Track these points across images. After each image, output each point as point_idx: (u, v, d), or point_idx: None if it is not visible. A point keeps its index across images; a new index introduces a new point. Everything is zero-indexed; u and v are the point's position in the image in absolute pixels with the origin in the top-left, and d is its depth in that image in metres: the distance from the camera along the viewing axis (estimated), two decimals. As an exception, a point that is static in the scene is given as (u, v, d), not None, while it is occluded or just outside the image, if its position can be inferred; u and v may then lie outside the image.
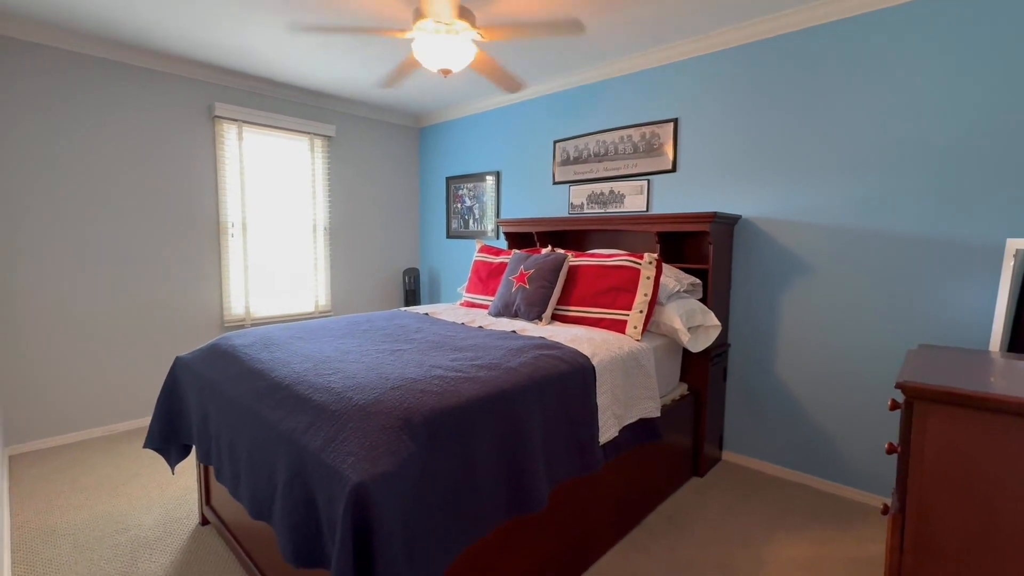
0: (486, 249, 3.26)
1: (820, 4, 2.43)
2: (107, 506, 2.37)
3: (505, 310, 2.68)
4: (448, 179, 4.62)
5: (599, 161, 3.44)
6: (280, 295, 4.03)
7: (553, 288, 2.58)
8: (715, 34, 2.78)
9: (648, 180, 3.21)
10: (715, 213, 2.55)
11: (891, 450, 1.29)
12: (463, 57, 2.35)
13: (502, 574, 1.62)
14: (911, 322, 2.32)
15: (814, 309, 2.61)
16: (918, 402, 1.19)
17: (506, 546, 1.63)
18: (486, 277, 3.12)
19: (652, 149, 3.17)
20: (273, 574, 1.71)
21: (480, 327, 2.44)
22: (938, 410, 1.16)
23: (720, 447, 2.97)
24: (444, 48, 2.29)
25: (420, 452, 1.28)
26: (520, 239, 3.71)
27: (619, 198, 3.36)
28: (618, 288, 2.42)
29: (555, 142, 3.70)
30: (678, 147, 3.06)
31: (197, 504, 2.38)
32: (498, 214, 4.21)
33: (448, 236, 4.69)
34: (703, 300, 2.73)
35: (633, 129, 3.24)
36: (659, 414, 2.25)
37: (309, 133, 4.06)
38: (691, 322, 2.44)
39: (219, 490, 2.07)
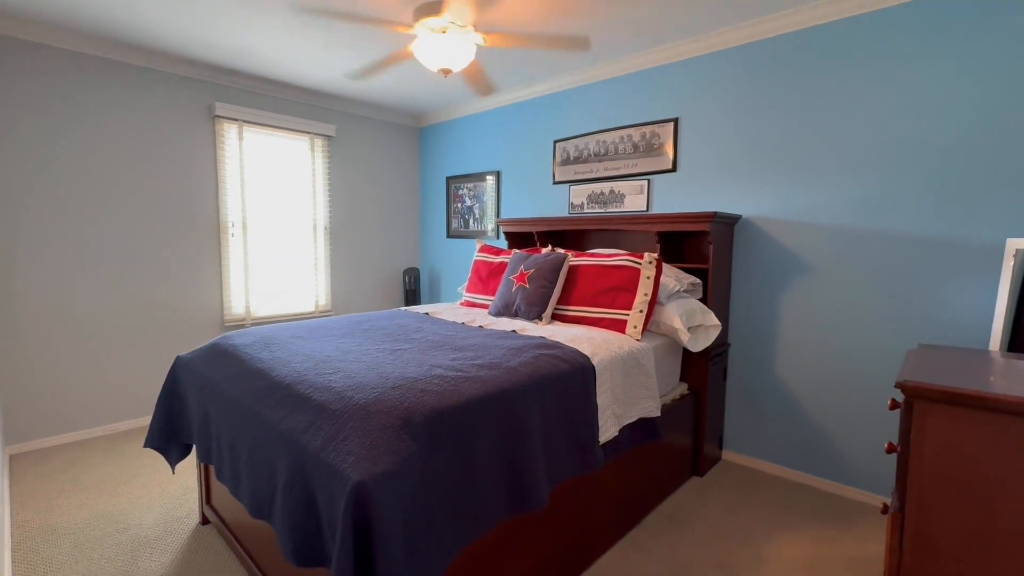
0: (486, 249, 3.27)
1: (820, 4, 2.43)
2: (108, 505, 2.38)
3: (505, 310, 2.68)
4: (448, 179, 4.62)
5: (599, 161, 3.44)
6: (280, 295, 4.03)
7: (553, 288, 2.58)
8: (715, 34, 2.79)
9: (648, 180, 3.21)
10: (715, 213, 2.56)
11: (891, 449, 1.29)
12: (464, 57, 2.35)
13: (502, 573, 1.62)
14: (911, 322, 2.32)
15: (814, 309, 2.61)
16: (918, 401, 1.19)
17: (506, 545, 1.63)
18: (486, 277, 3.12)
19: (652, 149, 3.17)
20: (273, 573, 1.71)
21: (480, 327, 2.44)
22: (938, 409, 1.16)
23: (720, 446, 2.98)
24: (445, 48, 2.29)
25: (420, 451, 1.29)
26: (520, 239, 3.71)
27: (619, 198, 3.36)
28: (618, 288, 2.43)
29: (555, 142, 3.70)
30: (678, 147, 3.06)
31: (197, 503, 2.38)
32: (498, 214, 4.21)
33: (448, 236, 4.69)
34: (703, 300, 2.73)
35: (633, 129, 3.24)
36: (659, 413, 2.25)
37: (309, 133, 4.06)
38: (691, 322, 2.44)
39: (219, 489, 2.08)
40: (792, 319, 2.68)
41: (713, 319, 2.52)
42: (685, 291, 2.65)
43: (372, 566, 1.12)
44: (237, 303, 3.78)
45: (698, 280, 2.72)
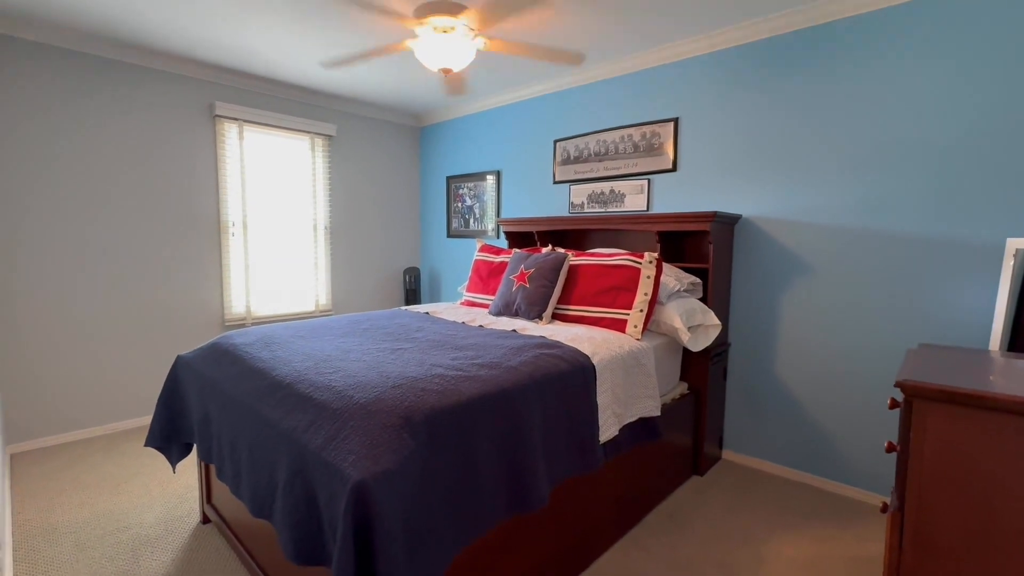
0: (486, 248, 3.27)
1: (820, 4, 2.43)
2: (108, 504, 2.38)
3: (505, 309, 2.69)
4: (449, 178, 4.63)
5: (599, 160, 3.44)
6: (281, 294, 4.04)
7: (553, 287, 2.59)
8: (715, 34, 2.79)
9: (648, 179, 3.22)
10: (715, 213, 2.56)
11: (890, 449, 1.29)
12: (464, 58, 2.35)
13: (503, 572, 1.63)
14: (911, 322, 2.33)
15: (814, 308, 2.61)
16: (917, 401, 1.19)
17: (507, 544, 1.63)
18: (486, 276, 3.12)
19: (652, 148, 3.17)
20: (274, 572, 1.71)
21: (480, 326, 2.44)
22: (937, 409, 1.17)
23: (720, 446, 2.98)
24: (446, 48, 2.29)
25: (421, 450, 1.29)
26: (520, 238, 3.71)
27: (619, 197, 3.37)
28: (618, 287, 2.43)
29: (555, 141, 3.70)
30: (678, 146, 3.06)
31: (198, 502, 2.38)
32: (499, 213, 4.21)
33: (448, 235, 4.69)
34: (703, 299, 2.73)
35: (633, 128, 3.25)
36: (659, 413, 2.25)
37: (310, 132, 4.06)
38: (691, 321, 2.44)
39: (220, 488, 2.08)
40: (792, 319, 2.69)
41: (713, 319, 2.52)
42: (685, 291, 2.65)
43: (373, 565, 1.12)
44: (238, 302, 3.78)
45: (698, 280, 2.72)
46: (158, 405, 2.14)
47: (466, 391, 1.50)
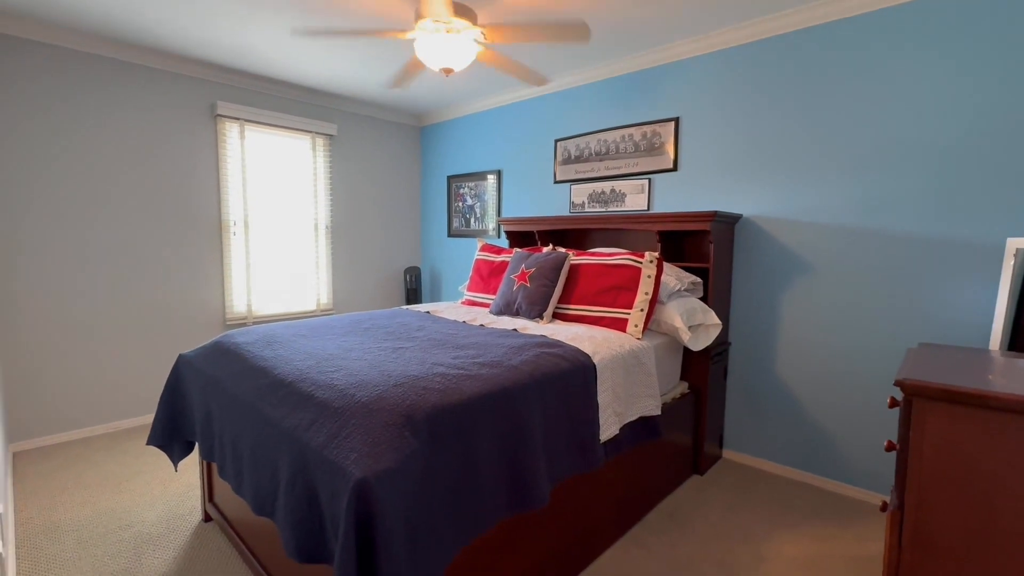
0: (487, 248, 3.27)
1: (820, 4, 2.43)
2: (110, 502, 2.39)
3: (506, 308, 2.69)
4: (449, 178, 4.63)
5: (600, 160, 3.45)
6: (282, 293, 4.04)
7: (554, 287, 2.59)
8: (715, 34, 2.79)
9: (649, 179, 3.22)
10: (716, 212, 2.56)
11: (890, 448, 1.29)
12: (465, 56, 2.35)
13: (504, 570, 1.63)
14: (911, 321, 2.33)
15: (814, 308, 2.61)
16: (917, 400, 1.19)
17: (507, 543, 1.64)
18: (487, 276, 3.13)
19: (653, 148, 3.17)
20: (276, 570, 1.72)
21: (481, 325, 2.45)
22: (937, 408, 1.17)
23: (720, 445, 2.98)
24: (445, 47, 2.29)
25: (422, 449, 1.29)
26: (521, 238, 3.72)
27: (620, 197, 3.37)
28: (619, 287, 2.43)
29: (556, 141, 3.70)
30: (679, 146, 3.07)
31: (200, 501, 2.39)
32: (499, 213, 4.22)
33: (449, 235, 4.70)
34: (704, 299, 2.73)
35: (634, 128, 3.25)
36: (660, 412, 2.26)
37: (311, 132, 4.07)
38: (692, 321, 2.44)
39: (222, 487, 2.09)
40: (792, 318, 2.69)
41: (714, 318, 2.53)
42: (686, 290, 2.66)
43: (374, 562, 1.12)
44: (239, 302, 3.79)
45: (699, 279, 2.72)
46: (160, 404, 2.14)
47: (467, 390, 1.51)
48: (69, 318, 3.10)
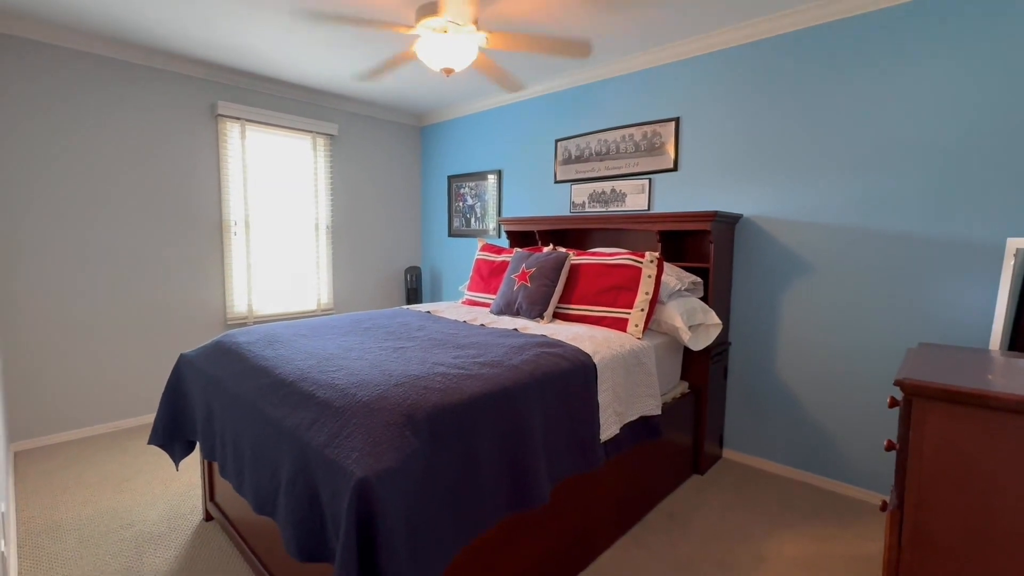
0: (488, 248, 3.28)
1: (820, 4, 2.44)
2: (112, 502, 2.39)
3: (507, 308, 2.70)
4: (450, 177, 4.63)
5: (601, 160, 3.45)
6: (282, 293, 4.05)
7: (555, 286, 2.59)
8: (716, 34, 2.79)
9: (649, 179, 3.22)
10: (716, 212, 2.56)
11: (890, 447, 1.30)
12: (466, 57, 2.36)
13: (504, 570, 1.64)
14: (911, 321, 2.33)
15: (815, 308, 2.61)
16: (917, 399, 1.20)
17: (508, 542, 1.64)
18: (488, 275, 3.13)
19: (654, 148, 3.18)
20: (276, 569, 1.73)
21: (482, 325, 2.45)
22: (937, 407, 1.17)
23: (720, 445, 2.99)
24: (448, 48, 2.30)
25: (423, 448, 1.30)
26: (522, 238, 3.72)
27: (620, 197, 3.37)
28: (619, 287, 2.43)
29: (557, 141, 3.71)
30: (679, 146, 3.07)
31: (201, 500, 2.40)
32: (500, 213, 4.22)
33: (450, 235, 4.70)
34: (704, 299, 2.74)
35: (635, 128, 3.25)
36: (660, 412, 2.26)
37: (312, 132, 4.07)
38: (692, 320, 2.45)
39: (223, 486, 2.09)
40: (793, 318, 2.69)
41: (714, 318, 2.53)
42: (686, 290, 2.66)
43: (375, 561, 1.13)
44: (240, 301, 3.80)
45: (699, 279, 2.72)
46: (161, 403, 2.15)
47: (468, 389, 1.51)
48: (70, 318, 3.10)
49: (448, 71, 2.41)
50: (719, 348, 2.77)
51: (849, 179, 2.46)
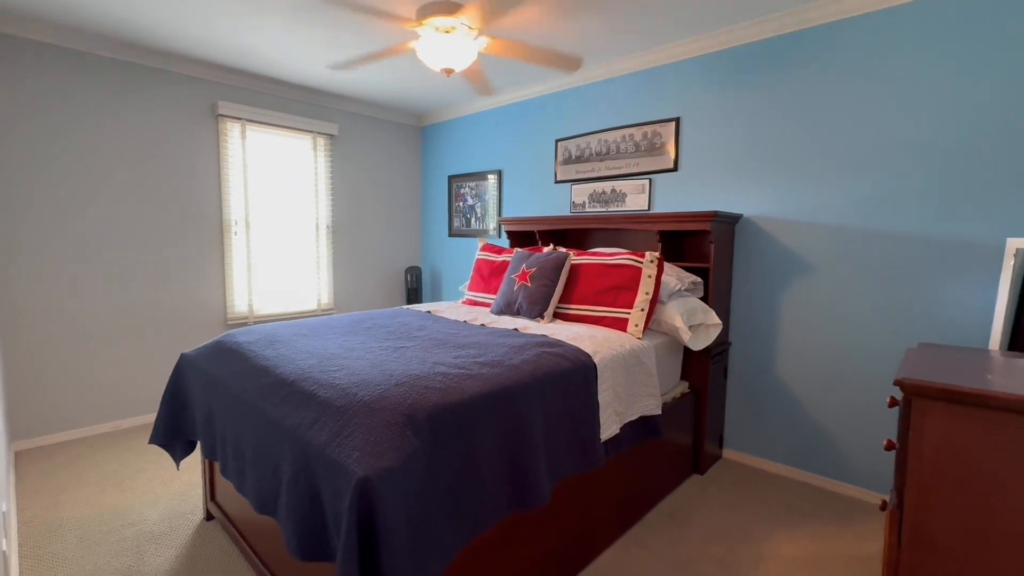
0: (488, 247, 3.28)
1: (820, 4, 2.44)
2: (113, 501, 2.39)
3: (507, 308, 2.70)
4: (450, 177, 4.64)
5: (601, 160, 3.45)
6: (283, 293, 4.05)
7: (555, 286, 2.60)
8: (716, 34, 2.79)
9: (650, 179, 3.22)
10: (716, 212, 2.57)
11: (890, 447, 1.30)
12: (466, 58, 2.36)
13: (504, 569, 1.64)
14: (911, 321, 2.33)
15: (814, 308, 2.62)
16: (916, 399, 1.20)
17: (508, 541, 1.64)
18: (488, 275, 3.13)
19: (654, 148, 3.18)
20: (277, 568, 1.73)
21: (482, 325, 2.45)
22: (936, 407, 1.17)
23: (720, 445, 2.99)
24: (450, 48, 2.30)
25: (424, 447, 1.30)
26: (522, 238, 3.72)
27: (621, 197, 3.37)
28: (620, 287, 2.44)
29: (557, 141, 3.71)
30: (680, 146, 3.07)
31: (202, 499, 2.39)
32: (500, 212, 4.22)
33: (450, 235, 4.70)
34: (704, 299, 2.74)
35: (635, 128, 3.25)
36: (660, 412, 2.26)
37: (312, 132, 4.07)
38: (692, 320, 2.45)
39: (224, 486, 2.09)
40: (792, 318, 2.69)
41: (714, 318, 2.53)
42: (686, 290, 2.66)
43: (376, 560, 1.13)
44: (240, 301, 3.80)
45: (699, 279, 2.73)
46: (162, 403, 2.15)
47: (468, 389, 1.52)
48: (70, 318, 3.10)
49: (448, 71, 2.41)
50: (719, 348, 2.78)
51: (849, 179, 2.46)
